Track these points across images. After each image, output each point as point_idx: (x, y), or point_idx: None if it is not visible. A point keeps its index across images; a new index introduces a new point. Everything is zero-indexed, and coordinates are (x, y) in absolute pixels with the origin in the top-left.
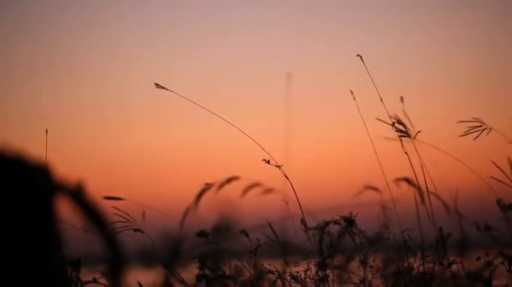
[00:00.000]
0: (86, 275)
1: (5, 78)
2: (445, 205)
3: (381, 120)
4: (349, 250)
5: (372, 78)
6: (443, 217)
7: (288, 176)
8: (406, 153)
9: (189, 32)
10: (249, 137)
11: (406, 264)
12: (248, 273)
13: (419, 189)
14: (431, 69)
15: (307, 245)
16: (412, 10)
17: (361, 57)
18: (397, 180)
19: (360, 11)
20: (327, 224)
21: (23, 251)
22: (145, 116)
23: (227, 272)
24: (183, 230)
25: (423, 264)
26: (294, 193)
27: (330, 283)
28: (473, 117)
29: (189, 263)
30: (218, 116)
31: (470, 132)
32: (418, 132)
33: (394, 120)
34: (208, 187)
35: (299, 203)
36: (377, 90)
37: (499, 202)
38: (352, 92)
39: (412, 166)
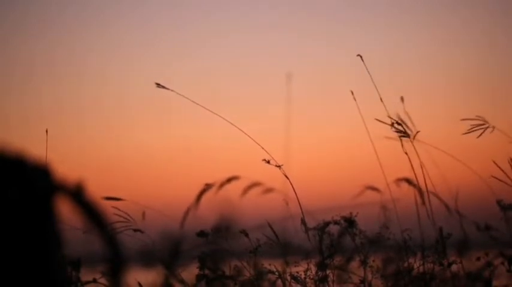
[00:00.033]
0: (86, 275)
1: (5, 78)
2: (446, 205)
3: (380, 121)
4: (349, 250)
5: (372, 78)
6: (443, 217)
7: (288, 176)
8: (406, 153)
9: (189, 32)
10: (249, 137)
11: (406, 264)
12: (248, 273)
13: (419, 189)
14: (431, 69)
15: (307, 245)
16: (412, 10)
17: (361, 57)
18: (398, 180)
19: (360, 11)
20: (327, 224)
21: (23, 251)
22: (145, 116)
23: (227, 272)
24: (183, 230)
25: (423, 264)
26: (294, 193)
27: (330, 283)
28: (477, 115)
29: (189, 263)
30: (218, 115)
31: (474, 130)
32: (418, 132)
33: (393, 121)
34: (208, 187)
35: (299, 203)
36: (377, 90)
37: (499, 202)
38: (352, 93)
39: (412, 166)
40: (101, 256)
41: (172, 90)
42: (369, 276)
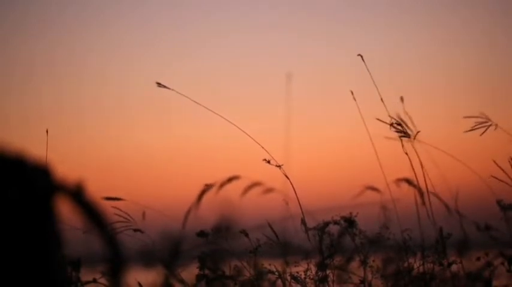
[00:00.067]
0: (86, 275)
1: (5, 78)
2: (446, 205)
3: (380, 120)
4: (349, 250)
5: (372, 78)
6: (443, 217)
7: (288, 176)
8: (406, 153)
9: (189, 32)
10: (250, 136)
11: (406, 264)
12: (248, 273)
13: (419, 189)
14: (431, 69)
15: (307, 245)
16: (412, 10)
17: (362, 57)
18: (398, 180)
19: (360, 11)
20: (327, 224)
21: (23, 251)
22: (145, 116)
23: (227, 272)
24: (184, 230)
25: (423, 264)
26: (294, 193)
27: (330, 283)
28: (480, 113)
29: (189, 263)
30: (219, 115)
31: (477, 128)
32: (418, 132)
33: (393, 121)
34: (209, 187)
35: (299, 203)
36: (377, 90)
37: (499, 202)
38: (352, 93)
39: (412, 166)
40: (101, 256)
41: (173, 90)
42: (369, 276)
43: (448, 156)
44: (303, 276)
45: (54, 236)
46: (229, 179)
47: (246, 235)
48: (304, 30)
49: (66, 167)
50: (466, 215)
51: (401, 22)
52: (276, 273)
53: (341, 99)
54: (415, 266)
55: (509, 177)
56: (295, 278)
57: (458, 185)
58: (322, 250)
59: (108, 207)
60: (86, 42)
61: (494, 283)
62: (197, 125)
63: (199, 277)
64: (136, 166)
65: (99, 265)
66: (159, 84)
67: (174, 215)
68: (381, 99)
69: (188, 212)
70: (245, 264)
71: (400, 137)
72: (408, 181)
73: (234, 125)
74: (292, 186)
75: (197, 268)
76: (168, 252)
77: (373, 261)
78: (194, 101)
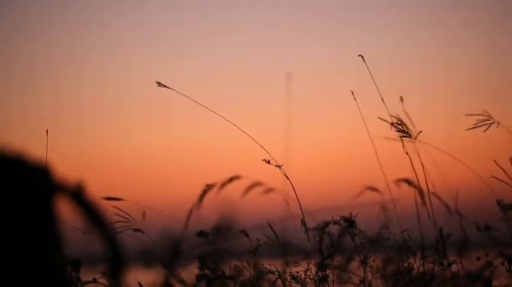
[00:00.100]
0: (86, 275)
1: (5, 78)
2: (446, 205)
3: (383, 119)
4: (349, 250)
5: (373, 78)
6: (443, 217)
7: (288, 176)
8: (407, 153)
9: (189, 32)
10: (250, 136)
11: (406, 264)
12: (248, 273)
13: (419, 190)
14: (431, 69)
15: (307, 245)
16: (412, 10)
17: (362, 57)
18: (398, 181)
19: (360, 11)
20: (327, 224)
21: (23, 251)
22: (145, 116)
23: (227, 272)
24: (184, 230)
25: (423, 264)
26: (294, 193)
27: (330, 283)
28: (483, 110)
29: (189, 263)
30: (219, 115)
31: (479, 126)
32: (420, 132)
33: (394, 121)
34: (210, 187)
35: (299, 203)
36: (378, 90)
37: (499, 202)
38: (352, 93)
39: (413, 166)
40: (101, 256)
41: (173, 89)
42: (369, 276)
43: (448, 156)
44: (303, 276)
45: (54, 236)
46: (230, 179)
47: (246, 235)
48: (304, 30)
49: (66, 167)
50: (466, 215)
51: (401, 22)
52: (276, 273)
53: (341, 99)
54: (415, 266)
55: (509, 177)
56: (295, 278)
57: (458, 185)
58: (322, 250)
59: (108, 207)
60: (86, 42)
61: (494, 283)
62: (197, 125)
63: (199, 277)
64: (136, 166)
65: (99, 265)
66: (159, 83)
67: (174, 215)
68: (382, 99)
69: (190, 212)
70: (245, 264)
71: (401, 137)
72: (408, 181)
73: (234, 125)
74: (292, 186)
75: (197, 268)
76: (168, 252)
77: (373, 261)
78: (194, 101)
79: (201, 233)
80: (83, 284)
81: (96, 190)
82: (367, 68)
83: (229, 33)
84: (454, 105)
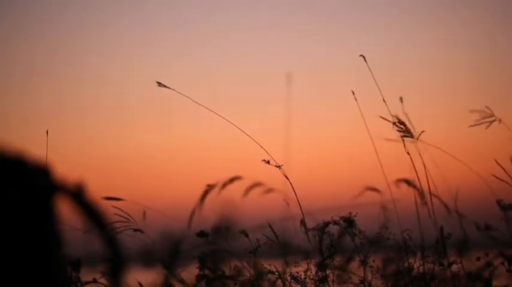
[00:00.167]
0: (86, 275)
1: (5, 78)
2: (445, 205)
3: (384, 119)
4: (349, 250)
5: (374, 78)
6: (443, 217)
7: (288, 176)
8: (408, 153)
9: (189, 32)
10: (250, 136)
11: (406, 264)
12: (248, 273)
13: (419, 190)
14: (431, 69)
15: (307, 245)
16: (412, 10)
17: (364, 57)
18: (398, 181)
19: (360, 11)
20: (326, 224)
21: (23, 252)
22: (145, 116)
23: (227, 273)
24: (184, 231)
25: (423, 264)
26: (294, 193)
27: (330, 283)
28: (486, 106)
29: (189, 263)
30: (219, 115)
31: (481, 123)
32: (422, 132)
33: (396, 120)
34: (211, 187)
35: (299, 204)
36: (380, 90)
37: (499, 202)
38: (353, 92)
39: (414, 166)
40: (101, 256)
41: (173, 90)
42: (369, 276)
43: (449, 156)
44: (303, 276)
45: (54, 236)
46: (231, 180)
47: (246, 235)
48: (304, 30)
49: (66, 167)
50: (466, 215)
51: (401, 22)
52: (276, 273)
53: (341, 99)
54: (415, 266)
55: (509, 176)
56: (295, 278)
57: (458, 185)
58: (322, 250)
59: (108, 207)
60: (86, 42)
61: (494, 283)
62: (197, 125)
63: (199, 277)
64: (136, 166)
65: (99, 265)
66: (159, 83)
67: (174, 215)
68: (383, 99)
69: (193, 212)
70: (245, 264)
71: (403, 137)
72: (408, 182)
73: (234, 125)
74: (292, 186)
75: (197, 268)
76: (168, 252)
77: (373, 261)
78: (194, 101)
79: (201, 233)
80: (83, 284)
81: (96, 190)
82: (369, 68)
83: (229, 33)
84: (454, 105)
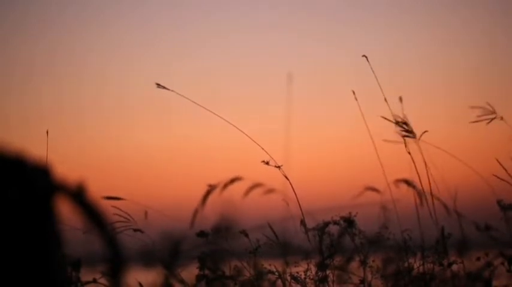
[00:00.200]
0: (86, 275)
1: (5, 78)
2: (444, 205)
3: (386, 119)
4: (349, 250)
5: (376, 78)
6: (443, 217)
7: (288, 177)
8: (409, 153)
9: (189, 32)
10: (249, 137)
11: (406, 264)
12: (248, 273)
13: (418, 190)
14: (431, 69)
15: (307, 245)
16: (412, 10)
17: (366, 57)
18: (397, 181)
19: (360, 11)
20: (326, 224)
21: (23, 252)
22: (145, 116)
23: (227, 273)
24: (184, 230)
25: (423, 264)
26: (294, 194)
27: (330, 283)
28: (486, 102)
29: (189, 263)
30: (218, 116)
31: (482, 119)
32: (425, 132)
33: (398, 120)
34: (213, 187)
35: (299, 204)
36: (381, 90)
37: (499, 202)
38: (354, 92)
39: (415, 166)
40: (101, 256)
41: (172, 91)
42: (369, 276)
43: (449, 155)
44: (303, 276)
45: (54, 236)
46: (232, 180)
47: (246, 235)
48: (304, 30)
49: (66, 167)
50: (466, 215)
51: (401, 22)
52: (276, 273)
53: (341, 99)
54: (415, 267)
55: (510, 175)
56: (295, 278)
57: (459, 185)
58: (322, 250)
59: (108, 207)
60: (86, 42)
61: (494, 283)
62: (197, 125)
63: (199, 277)
64: (136, 166)
65: (99, 265)
66: (158, 85)
67: (174, 215)
68: (385, 99)
69: (195, 212)
70: (245, 264)
71: (404, 136)
72: (407, 182)
73: (233, 125)
74: (292, 187)
75: (197, 268)
76: (168, 252)
77: (373, 261)
78: (193, 102)
79: (201, 233)
80: (83, 284)
81: (96, 190)
82: (371, 68)
83: (229, 33)
84: (454, 105)
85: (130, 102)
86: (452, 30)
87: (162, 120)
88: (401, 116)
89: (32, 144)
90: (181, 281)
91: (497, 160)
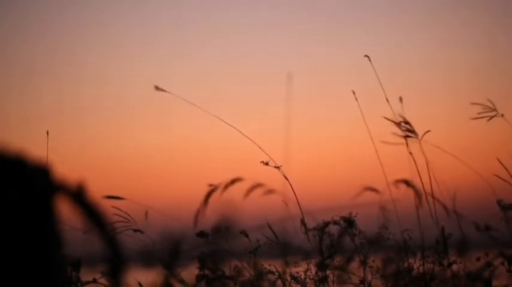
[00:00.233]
0: (86, 275)
1: (5, 78)
2: (444, 205)
3: (388, 119)
4: (349, 250)
5: (378, 78)
6: (443, 218)
7: (288, 177)
8: (410, 153)
9: (189, 32)
10: (248, 138)
11: (406, 264)
12: (248, 273)
13: (417, 191)
14: (431, 69)
15: (307, 245)
16: (412, 10)
17: (369, 57)
18: (397, 182)
19: (360, 11)
20: (326, 224)
21: (23, 252)
22: (145, 116)
23: (227, 273)
24: (185, 231)
25: (423, 264)
26: (293, 194)
27: (330, 283)
28: (487, 99)
29: (189, 263)
30: (217, 117)
31: (483, 116)
32: (427, 132)
33: (400, 120)
34: (214, 188)
35: (299, 204)
36: (383, 90)
37: (499, 202)
38: (354, 92)
39: (416, 166)
40: (101, 256)
41: (170, 93)
42: (369, 276)
43: (450, 155)
44: (303, 276)
45: (54, 236)
46: (233, 181)
47: (246, 235)
48: (304, 30)
49: (66, 167)
50: (466, 215)
51: (401, 22)
52: (276, 273)
53: (341, 99)
54: (415, 267)
55: (511, 175)
56: (295, 278)
57: (459, 184)
58: (322, 250)
59: (108, 207)
60: (86, 42)
61: (494, 283)
62: (197, 125)
63: (199, 277)
64: (136, 166)
65: (99, 265)
66: (157, 87)
67: (174, 215)
68: (387, 99)
69: (198, 212)
70: (245, 264)
71: (406, 137)
72: (406, 182)
73: (232, 126)
74: (291, 187)
75: (197, 268)
76: (168, 252)
77: (373, 261)
78: (192, 103)
79: (201, 234)
80: (83, 284)
81: (96, 190)
82: (373, 68)
83: (229, 33)
84: (454, 105)
85: (130, 103)
86: (452, 30)
87: (162, 120)
88: (402, 116)
89: (32, 144)
90: (181, 281)
91: (498, 159)
